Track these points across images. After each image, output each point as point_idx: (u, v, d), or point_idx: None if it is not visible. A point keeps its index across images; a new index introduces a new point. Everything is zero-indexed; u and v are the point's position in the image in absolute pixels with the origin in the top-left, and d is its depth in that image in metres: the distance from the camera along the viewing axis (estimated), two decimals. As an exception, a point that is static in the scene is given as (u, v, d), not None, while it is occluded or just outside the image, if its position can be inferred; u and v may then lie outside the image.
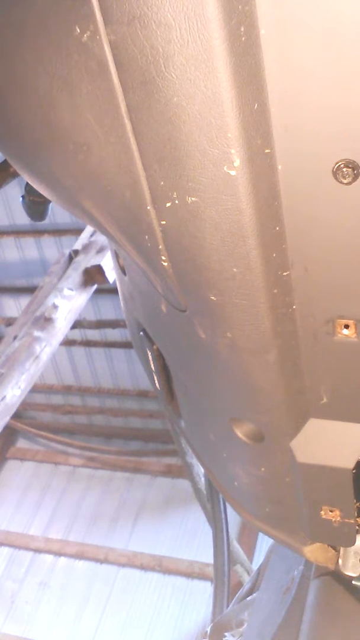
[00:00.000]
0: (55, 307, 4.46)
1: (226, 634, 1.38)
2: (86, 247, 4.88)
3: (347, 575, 1.07)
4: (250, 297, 0.74)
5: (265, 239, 0.69)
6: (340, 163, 0.63)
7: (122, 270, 1.09)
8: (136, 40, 0.59)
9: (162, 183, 0.68)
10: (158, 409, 8.55)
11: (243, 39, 0.58)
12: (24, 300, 7.64)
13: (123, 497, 8.29)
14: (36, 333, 4.31)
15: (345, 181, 0.64)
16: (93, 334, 8.49)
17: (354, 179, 0.63)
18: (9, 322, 8.11)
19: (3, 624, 7.31)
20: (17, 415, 7.63)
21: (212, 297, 0.76)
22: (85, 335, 8.53)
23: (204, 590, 6.98)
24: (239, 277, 0.72)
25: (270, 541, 1.28)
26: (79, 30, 0.61)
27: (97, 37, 0.60)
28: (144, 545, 7.64)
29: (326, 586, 1.11)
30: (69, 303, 4.55)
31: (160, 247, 0.75)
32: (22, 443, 9.32)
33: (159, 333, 1.05)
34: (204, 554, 7.09)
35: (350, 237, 0.69)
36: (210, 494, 2.07)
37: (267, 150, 0.64)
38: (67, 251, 4.91)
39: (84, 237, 5.01)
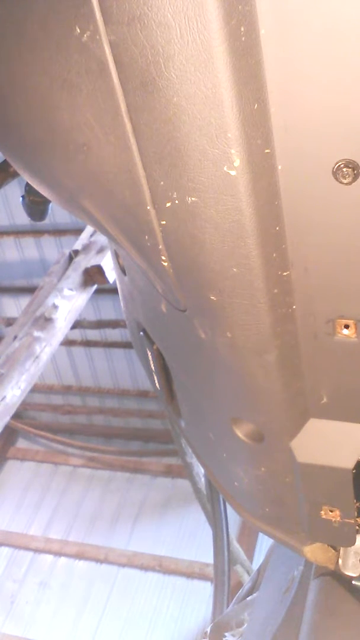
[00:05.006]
0: (55, 307, 4.46)
1: (226, 634, 1.38)
2: (86, 247, 4.88)
3: (347, 575, 1.07)
4: (250, 297, 0.74)
5: (265, 239, 0.69)
6: (340, 163, 0.63)
7: (122, 270, 1.09)
8: (136, 40, 0.59)
9: (162, 183, 0.68)
10: (158, 409, 8.55)
11: (243, 39, 0.58)
12: (24, 300, 7.64)
13: (123, 497, 8.29)
14: (36, 333, 4.30)
15: (345, 181, 0.64)
16: (93, 334, 8.48)
17: (354, 179, 0.63)
18: (9, 322, 8.11)
19: (3, 624, 7.30)
20: (17, 415, 7.63)
21: (212, 297, 0.76)
22: (85, 335, 8.53)
23: (204, 590, 6.98)
24: (239, 277, 0.72)
25: (270, 541, 1.28)
26: (79, 30, 0.61)
27: (97, 37, 0.60)
28: (144, 545, 7.64)
29: (326, 586, 1.11)
30: (69, 303, 4.55)
31: (160, 247, 0.75)
32: (22, 443, 9.32)
33: (159, 333, 1.05)
34: (204, 554, 7.08)
35: (350, 237, 0.69)
36: (210, 494, 2.07)
37: (267, 150, 0.64)
38: (67, 251, 4.91)
39: (84, 237, 5.00)
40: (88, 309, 7.85)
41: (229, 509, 1.79)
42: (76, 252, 4.87)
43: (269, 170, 0.65)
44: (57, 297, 4.53)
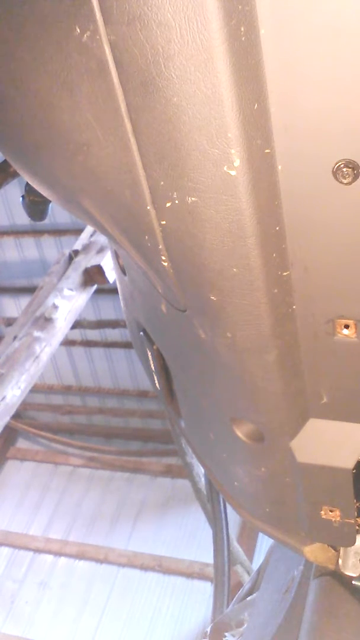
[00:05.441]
0: (55, 307, 4.46)
1: (226, 634, 1.38)
2: (86, 247, 4.88)
3: (347, 575, 1.07)
4: (250, 297, 0.74)
5: (265, 239, 0.69)
6: (340, 163, 0.63)
7: (122, 270, 1.09)
8: (136, 40, 0.59)
9: (162, 183, 0.68)
10: (158, 409, 8.55)
11: (243, 39, 0.58)
12: (24, 300, 7.64)
13: (123, 497, 8.29)
14: (36, 333, 4.30)
15: (345, 181, 0.64)
16: (93, 334, 8.48)
17: (354, 179, 0.63)
18: (9, 322, 8.11)
19: (3, 624, 7.30)
20: (17, 415, 7.63)
21: (212, 297, 0.76)
22: (85, 335, 8.53)
23: (204, 590, 6.98)
24: (239, 277, 0.72)
25: (270, 541, 1.28)
26: (79, 30, 0.61)
27: (97, 37, 0.60)
28: (144, 545, 7.64)
29: (326, 586, 1.11)
30: (69, 303, 4.55)
31: (160, 247, 0.75)
32: (22, 443, 9.32)
33: (159, 333, 1.05)
34: (204, 554, 7.09)
35: (350, 237, 0.69)
36: (210, 494, 2.07)
37: (267, 151, 0.64)
38: (67, 251, 4.91)
39: (84, 237, 5.01)
40: (88, 309, 7.85)
41: (229, 509, 1.79)
42: (76, 252, 4.87)
43: (269, 170, 0.65)
44: (57, 297, 4.53)
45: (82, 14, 0.60)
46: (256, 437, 0.92)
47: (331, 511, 0.93)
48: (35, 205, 2.00)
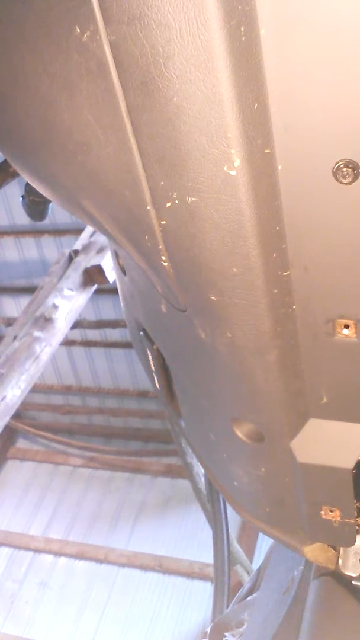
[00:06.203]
0: (55, 307, 4.46)
1: (226, 634, 1.38)
2: (86, 247, 4.88)
3: (347, 575, 1.07)
4: (250, 297, 0.74)
5: (265, 239, 0.69)
6: (340, 163, 0.63)
7: (122, 270, 1.09)
8: (136, 40, 0.59)
9: (162, 183, 0.68)
10: (158, 409, 8.55)
11: (243, 39, 0.58)
12: (24, 300, 7.64)
13: (123, 497, 8.29)
14: (36, 333, 4.30)
15: (345, 181, 0.64)
16: (93, 334, 8.49)
17: (354, 179, 0.63)
18: (9, 322, 8.12)
19: (3, 624, 7.30)
20: (17, 415, 7.63)
21: (212, 297, 0.76)
22: (85, 335, 8.53)
23: (204, 590, 6.98)
24: (239, 277, 0.72)
25: (270, 541, 1.28)
26: (79, 30, 0.61)
27: (97, 37, 0.60)
28: (144, 545, 7.64)
29: (326, 586, 1.11)
30: (69, 303, 4.55)
31: (160, 247, 0.75)
32: (22, 443, 9.32)
33: (159, 333, 1.05)
34: (204, 554, 7.09)
35: (350, 237, 0.69)
36: (210, 494, 2.07)
37: (267, 150, 0.64)
38: (67, 251, 4.91)
39: (84, 237, 5.00)
40: (88, 309, 7.85)
41: (229, 509, 1.79)
42: (76, 252, 4.87)
43: (269, 170, 0.65)
44: (57, 297, 4.53)
45: (82, 14, 0.60)
46: (256, 437, 0.92)
47: (331, 511, 0.93)
48: (35, 205, 2.01)
